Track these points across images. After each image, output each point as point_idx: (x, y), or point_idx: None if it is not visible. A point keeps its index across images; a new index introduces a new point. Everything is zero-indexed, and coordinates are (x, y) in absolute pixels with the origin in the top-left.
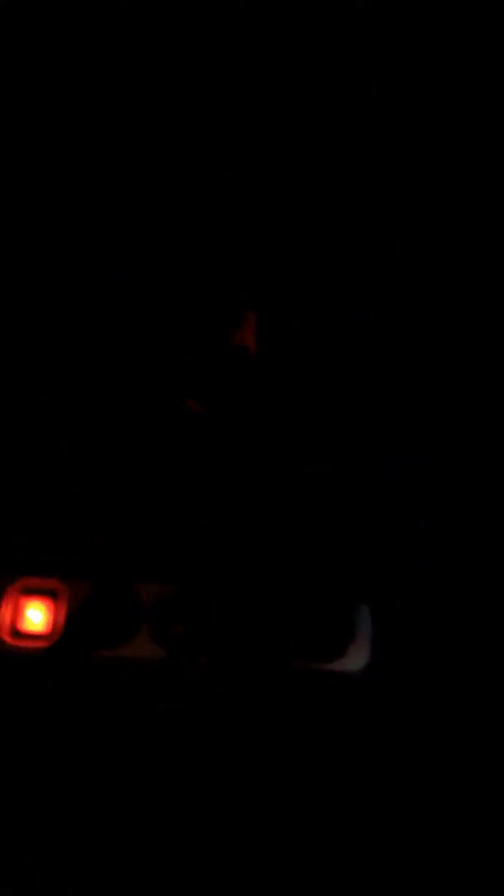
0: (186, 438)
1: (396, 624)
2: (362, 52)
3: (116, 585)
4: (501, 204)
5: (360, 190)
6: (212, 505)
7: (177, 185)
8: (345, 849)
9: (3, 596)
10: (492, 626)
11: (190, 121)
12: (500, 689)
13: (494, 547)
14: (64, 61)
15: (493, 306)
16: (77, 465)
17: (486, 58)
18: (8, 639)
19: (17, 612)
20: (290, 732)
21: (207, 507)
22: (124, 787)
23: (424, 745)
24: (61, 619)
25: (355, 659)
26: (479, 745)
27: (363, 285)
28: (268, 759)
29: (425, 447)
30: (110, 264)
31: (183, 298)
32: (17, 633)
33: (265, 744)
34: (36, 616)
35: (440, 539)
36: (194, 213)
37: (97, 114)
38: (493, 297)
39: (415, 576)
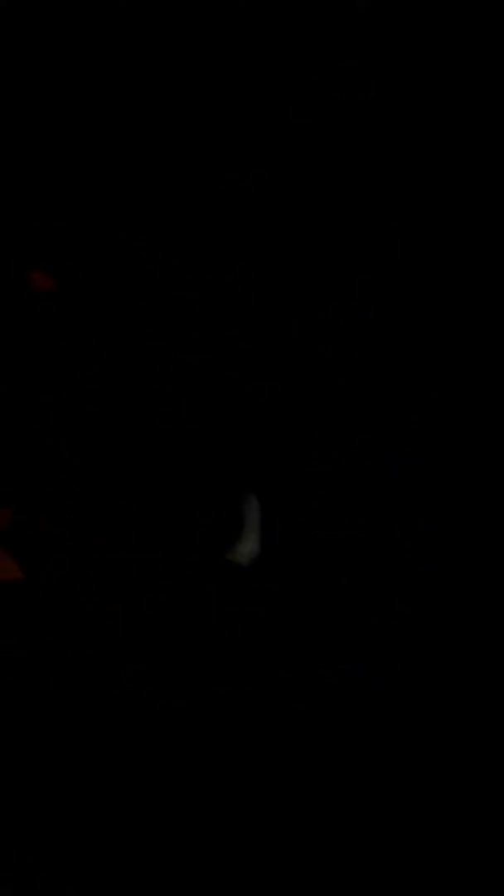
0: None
1: (397, 624)
2: (362, 52)
3: None
4: (501, 204)
5: (360, 190)
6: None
7: (177, 185)
8: (342, 851)
9: None
10: (492, 625)
11: (190, 121)
12: (501, 687)
13: (494, 547)
14: (64, 62)
15: (492, 306)
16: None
17: (486, 58)
18: None
19: None
20: (289, 734)
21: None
22: (123, 788)
23: (425, 745)
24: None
25: (244, 549)
26: (480, 742)
27: (363, 285)
28: (264, 756)
29: (425, 447)
30: (110, 264)
31: (184, 299)
32: None
33: (262, 741)
34: None
35: (440, 539)
36: (194, 213)
37: (97, 114)
38: (493, 298)
39: (415, 576)
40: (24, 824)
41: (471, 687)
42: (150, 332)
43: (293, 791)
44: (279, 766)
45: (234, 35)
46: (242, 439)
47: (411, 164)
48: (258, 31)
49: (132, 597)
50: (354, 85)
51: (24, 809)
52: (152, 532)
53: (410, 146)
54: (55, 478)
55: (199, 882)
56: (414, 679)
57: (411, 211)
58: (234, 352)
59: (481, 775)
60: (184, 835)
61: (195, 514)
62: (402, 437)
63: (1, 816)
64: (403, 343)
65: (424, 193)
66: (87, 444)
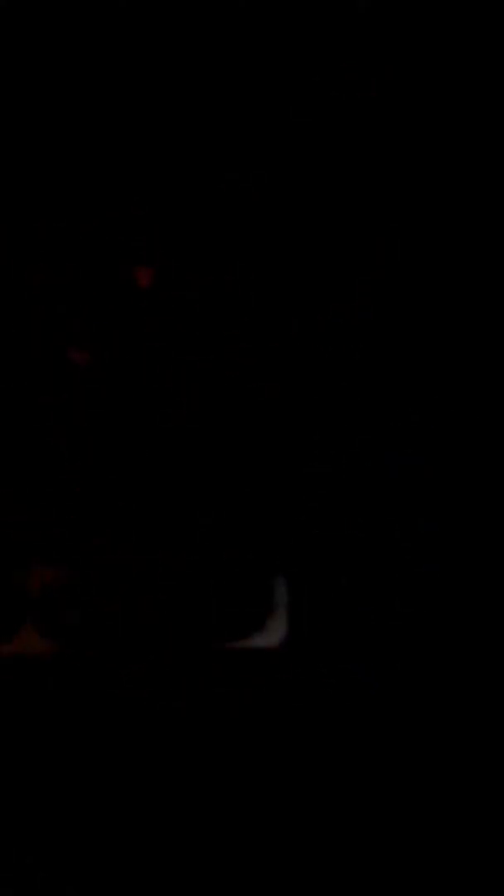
0: (73, 395)
1: (397, 624)
2: (362, 52)
3: None
4: (501, 204)
5: (360, 190)
6: (105, 474)
7: (177, 185)
8: (342, 851)
9: None
10: (491, 625)
11: (190, 121)
12: (501, 687)
13: (494, 547)
14: (64, 62)
15: (493, 306)
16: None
17: (486, 58)
18: None
19: None
20: (283, 735)
21: (100, 475)
22: (123, 788)
23: (425, 745)
24: None
25: (273, 633)
26: (480, 742)
27: (363, 285)
28: (258, 757)
29: (425, 447)
30: (110, 264)
31: (184, 299)
32: None
33: (262, 741)
34: None
35: (440, 539)
36: (194, 213)
37: (97, 114)
38: (493, 298)
39: (415, 576)
40: (24, 824)
41: (471, 687)
42: (150, 332)
43: (293, 791)
44: (279, 765)
45: (234, 35)
46: (135, 396)
47: (411, 163)
48: (258, 31)
49: (132, 597)
50: (354, 85)
51: (23, 809)
52: (152, 532)
53: (410, 146)
54: (55, 478)
55: (199, 882)
56: (414, 679)
57: (411, 211)
58: (234, 352)
59: (481, 775)
60: (184, 835)
61: (195, 514)
62: (402, 437)
63: (1, 816)
64: (403, 343)
65: (424, 193)
66: (87, 443)
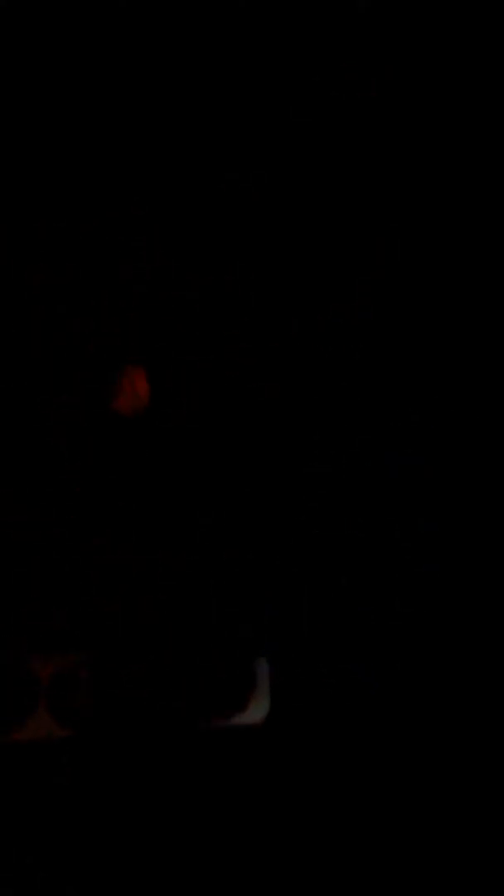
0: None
1: (397, 624)
2: (362, 52)
3: (5, 663)
4: (501, 204)
5: (360, 190)
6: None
7: (177, 185)
8: (342, 851)
9: None
10: (491, 625)
11: (190, 121)
12: (501, 686)
13: (494, 547)
14: (64, 62)
15: (492, 306)
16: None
17: (485, 58)
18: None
19: None
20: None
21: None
22: (123, 788)
23: (425, 745)
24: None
25: (257, 710)
26: (480, 742)
27: (363, 285)
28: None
29: (425, 447)
30: (110, 264)
31: (184, 299)
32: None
33: (262, 741)
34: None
35: (440, 539)
36: (194, 213)
37: (97, 114)
38: (493, 298)
39: (415, 576)
40: (24, 824)
41: (471, 687)
42: (150, 332)
43: (293, 791)
44: (279, 765)
45: (234, 35)
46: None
47: (411, 164)
48: (258, 31)
49: (132, 597)
50: (354, 85)
51: (23, 809)
52: (152, 532)
53: (410, 146)
54: (55, 478)
55: (199, 882)
56: (414, 679)
57: (411, 211)
58: (234, 352)
59: (481, 775)
60: (184, 835)
61: (195, 514)
62: (402, 437)
63: (1, 816)
64: (403, 343)
65: (424, 193)
66: (87, 444)
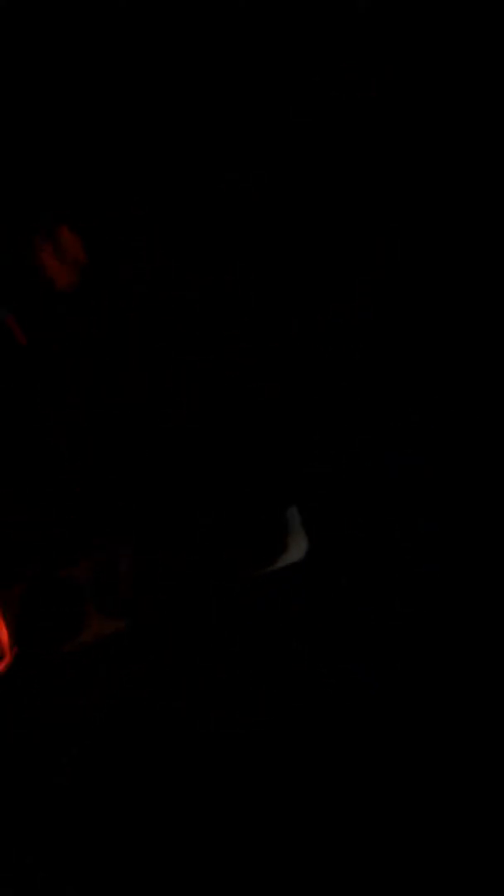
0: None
1: (397, 624)
2: (362, 52)
3: (47, 580)
4: (501, 204)
5: (360, 190)
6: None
7: (177, 185)
8: (342, 850)
9: None
10: (491, 625)
11: (190, 121)
12: (501, 686)
13: (494, 547)
14: (64, 62)
15: (492, 306)
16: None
17: (485, 58)
18: None
19: None
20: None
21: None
22: (123, 788)
23: (425, 745)
24: (3, 635)
25: (296, 550)
26: (480, 742)
27: (363, 285)
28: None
29: (425, 447)
30: (110, 264)
31: (184, 299)
32: None
33: (262, 741)
34: None
35: (440, 539)
36: (194, 213)
37: (97, 113)
38: (493, 298)
39: (415, 576)
40: (24, 824)
41: (471, 687)
42: (150, 331)
43: (293, 790)
44: (279, 765)
45: (234, 35)
46: (244, 440)
47: (411, 164)
48: (258, 31)
49: (132, 597)
50: (354, 85)
51: (24, 809)
52: (152, 532)
53: (410, 146)
54: (55, 478)
55: (199, 882)
56: (414, 679)
57: (411, 211)
58: (234, 352)
59: (481, 775)
60: (184, 835)
61: (195, 514)
62: (402, 437)
63: (1, 816)
64: (403, 343)
65: (424, 193)
66: (87, 444)
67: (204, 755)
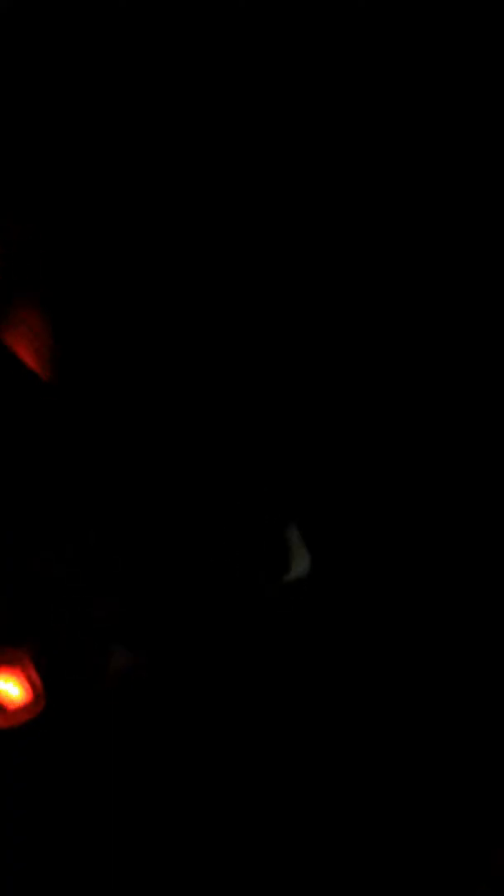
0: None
1: (397, 624)
2: (362, 52)
3: (72, 628)
4: (501, 204)
5: (360, 190)
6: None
7: (177, 184)
8: (342, 850)
9: None
10: (491, 624)
11: (190, 121)
12: (501, 687)
13: (494, 547)
14: (64, 62)
15: (493, 306)
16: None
17: (486, 58)
18: (2, 721)
19: None
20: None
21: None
22: (123, 788)
23: (425, 745)
24: (37, 680)
25: (300, 565)
26: (480, 742)
27: (363, 285)
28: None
29: (425, 447)
30: (110, 264)
31: (183, 300)
32: (3, 710)
33: (262, 741)
34: (13, 689)
35: (440, 539)
36: (194, 213)
37: (97, 113)
38: (493, 298)
39: (415, 576)
40: (24, 824)
41: (471, 687)
42: (149, 331)
43: (293, 790)
44: (279, 765)
45: (234, 35)
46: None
47: (411, 164)
48: (258, 31)
49: (132, 597)
50: (354, 84)
51: (24, 809)
52: (152, 533)
53: (410, 146)
54: (55, 478)
55: (199, 882)
56: (414, 679)
57: (411, 211)
58: (234, 352)
59: (481, 775)
60: (184, 835)
61: (196, 515)
62: (402, 437)
63: (1, 817)
64: (403, 343)
65: (424, 193)
66: (87, 444)
67: (203, 755)
